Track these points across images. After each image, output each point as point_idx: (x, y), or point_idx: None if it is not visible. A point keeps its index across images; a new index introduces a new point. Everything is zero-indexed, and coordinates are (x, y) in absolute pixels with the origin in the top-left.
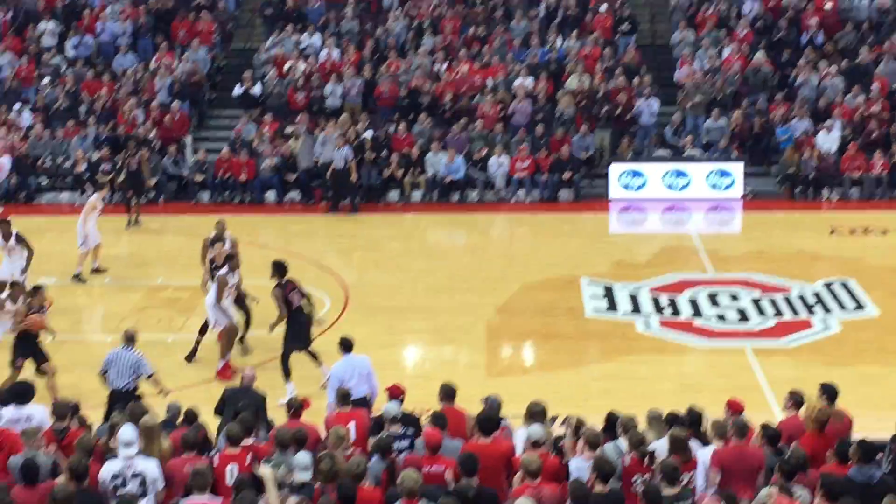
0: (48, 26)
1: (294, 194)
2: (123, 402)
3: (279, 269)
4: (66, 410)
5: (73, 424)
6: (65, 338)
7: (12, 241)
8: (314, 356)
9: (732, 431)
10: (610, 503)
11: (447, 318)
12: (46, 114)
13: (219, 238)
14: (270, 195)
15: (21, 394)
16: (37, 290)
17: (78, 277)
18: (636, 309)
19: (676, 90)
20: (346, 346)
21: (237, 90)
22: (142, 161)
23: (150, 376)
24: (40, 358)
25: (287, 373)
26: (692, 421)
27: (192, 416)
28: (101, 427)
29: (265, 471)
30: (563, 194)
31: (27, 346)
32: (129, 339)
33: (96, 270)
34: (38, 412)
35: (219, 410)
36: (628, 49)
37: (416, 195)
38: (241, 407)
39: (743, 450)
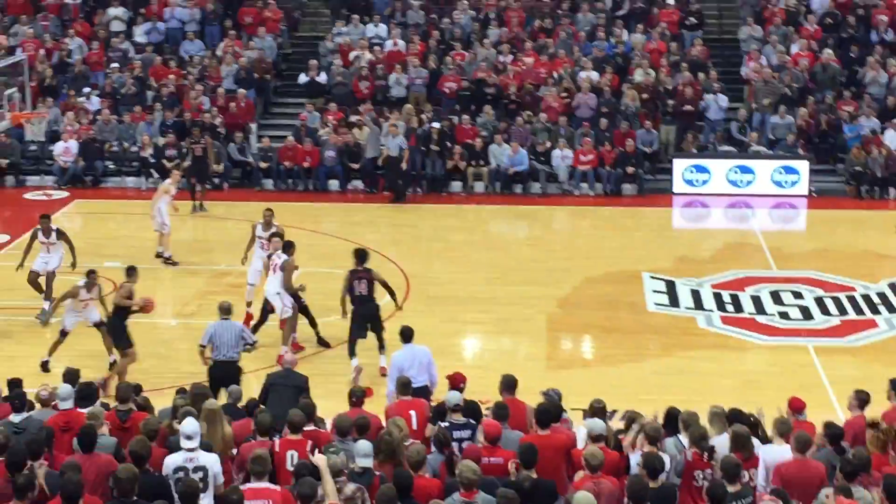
0: (117, 12)
1: (357, 183)
2: (228, 371)
3: (358, 255)
4: (128, 393)
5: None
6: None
7: (53, 236)
8: (381, 345)
9: (794, 445)
10: (662, 498)
11: (508, 310)
12: (114, 99)
13: (269, 224)
14: (333, 184)
15: (85, 396)
16: (132, 270)
17: (168, 260)
18: (698, 305)
19: (743, 86)
20: (406, 335)
21: (303, 78)
22: (207, 147)
23: (253, 344)
24: (127, 342)
25: (352, 352)
26: (751, 423)
27: (252, 404)
28: (163, 410)
29: (319, 459)
30: (627, 188)
31: (123, 329)
32: (227, 311)
33: (159, 255)
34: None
35: (263, 398)
36: (695, 44)
37: (479, 186)
38: (284, 392)
39: (804, 464)
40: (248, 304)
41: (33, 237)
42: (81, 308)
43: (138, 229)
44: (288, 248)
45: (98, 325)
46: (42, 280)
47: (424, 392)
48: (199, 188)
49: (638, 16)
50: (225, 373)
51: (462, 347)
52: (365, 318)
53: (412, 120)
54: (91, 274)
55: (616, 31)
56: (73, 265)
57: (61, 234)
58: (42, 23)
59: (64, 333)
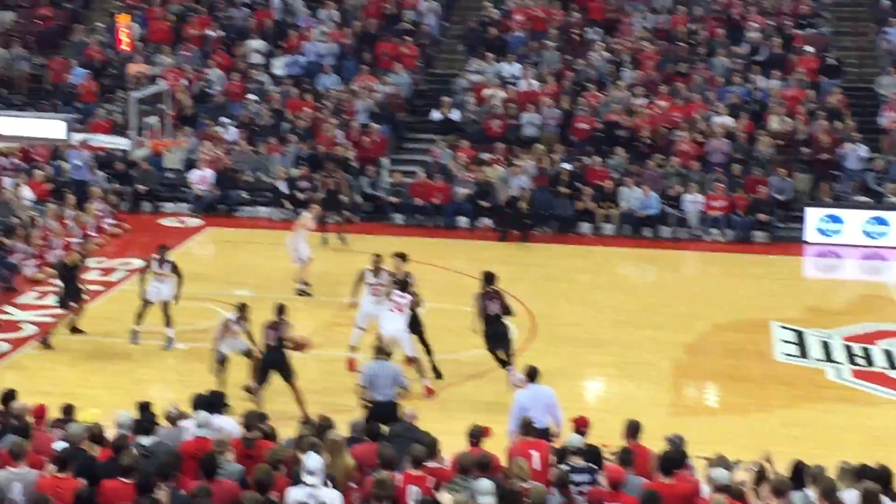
0: (257, 45)
1: (486, 221)
2: (386, 413)
3: (486, 277)
4: (254, 420)
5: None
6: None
7: (167, 267)
8: (504, 362)
9: None
10: None
11: (633, 354)
12: (250, 130)
13: (378, 271)
14: (463, 221)
15: (213, 403)
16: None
17: (303, 292)
18: (828, 356)
19: (880, 136)
20: (531, 375)
21: (436, 115)
22: (340, 182)
23: (406, 389)
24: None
25: (503, 363)
26: (881, 477)
27: (374, 432)
28: (288, 440)
29: (445, 497)
30: (758, 235)
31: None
32: (382, 351)
33: (302, 291)
34: (228, 424)
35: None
36: (832, 92)
37: (609, 228)
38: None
39: None
40: (353, 349)
41: (148, 266)
42: (230, 337)
43: (269, 259)
44: (407, 285)
45: (247, 354)
46: (149, 308)
47: (546, 433)
48: (332, 221)
49: (775, 62)
50: (385, 412)
51: (585, 389)
52: (498, 334)
53: (543, 160)
54: (242, 308)
55: (752, 76)
56: (177, 299)
57: (174, 268)
58: (184, 53)
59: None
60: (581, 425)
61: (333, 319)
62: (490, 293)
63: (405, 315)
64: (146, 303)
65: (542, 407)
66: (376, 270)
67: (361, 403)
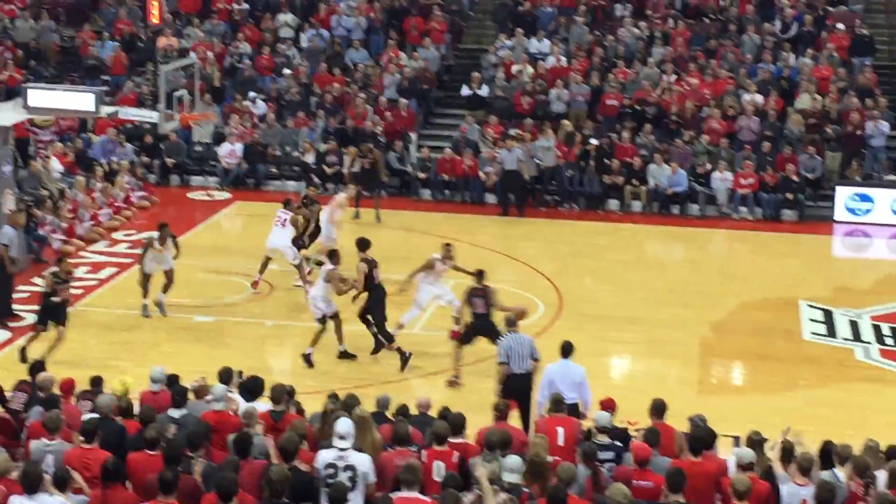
0: (286, 18)
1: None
2: (524, 384)
3: (477, 274)
4: (281, 395)
5: (289, 409)
6: (285, 323)
7: (169, 242)
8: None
9: None
10: None
11: (661, 332)
12: (279, 104)
13: (448, 258)
14: (490, 196)
15: (252, 390)
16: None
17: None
18: (856, 336)
19: None
20: (565, 350)
21: (465, 91)
22: (377, 159)
23: (537, 360)
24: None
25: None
26: None
27: (404, 410)
28: (314, 414)
29: (481, 469)
30: (787, 214)
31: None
32: (513, 323)
33: (319, 263)
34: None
35: None
36: (864, 69)
37: (637, 206)
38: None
39: None
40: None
41: (149, 244)
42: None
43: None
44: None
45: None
46: (151, 280)
47: (575, 410)
48: (367, 196)
49: (806, 40)
50: (522, 385)
51: (612, 367)
52: (478, 333)
53: (572, 135)
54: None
55: (783, 54)
56: (176, 256)
57: (175, 242)
58: (213, 23)
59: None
60: (608, 406)
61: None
62: (477, 290)
63: (288, 230)
64: (146, 276)
65: (570, 383)
66: (446, 259)
67: (500, 378)
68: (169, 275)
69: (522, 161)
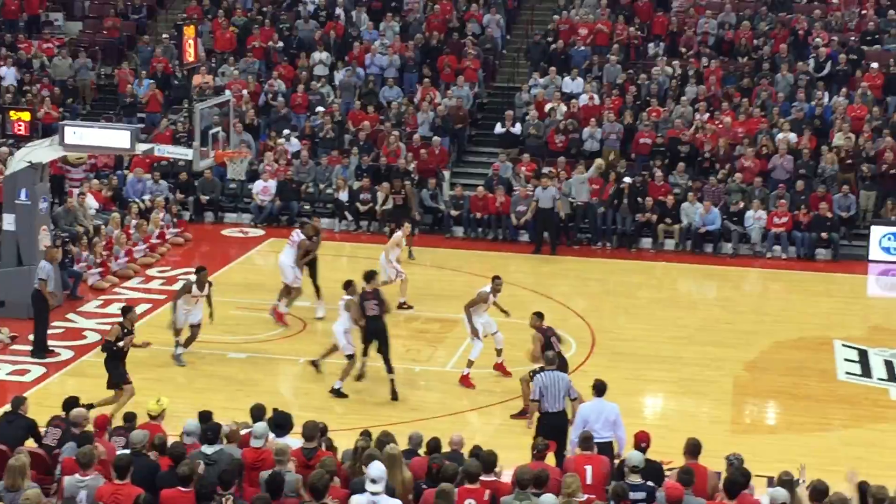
0: (321, 56)
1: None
2: (559, 422)
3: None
4: (314, 432)
5: (321, 446)
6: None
7: (207, 289)
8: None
9: None
10: None
11: (693, 370)
12: (313, 141)
13: (498, 290)
14: (523, 234)
15: (281, 424)
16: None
17: (403, 305)
18: (891, 376)
19: None
20: (598, 389)
21: (498, 129)
22: (409, 195)
23: (575, 399)
24: None
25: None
26: None
27: (434, 446)
28: (346, 451)
29: None
30: (821, 253)
31: None
32: (553, 361)
33: (401, 305)
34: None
35: None
36: None
37: (670, 244)
38: None
39: None
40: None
41: (187, 290)
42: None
43: (329, 270)
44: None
45: None
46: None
47: (608, 449)
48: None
49: (840, 78)
50: (556, 423)
51: (644, 406)
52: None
53: (606, 174)
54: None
55: (817, 92)
56: (211, 317)
57: (209, 294)
58: (248, 61)
59: None
60: (642, 440)
61: (395, 331)
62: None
63: (293, 250)
64: (176, 330)
65: (603, 421)
66: (494, 291)
67: (528, 417)
68: (195, 330)
69: (557, 198)
